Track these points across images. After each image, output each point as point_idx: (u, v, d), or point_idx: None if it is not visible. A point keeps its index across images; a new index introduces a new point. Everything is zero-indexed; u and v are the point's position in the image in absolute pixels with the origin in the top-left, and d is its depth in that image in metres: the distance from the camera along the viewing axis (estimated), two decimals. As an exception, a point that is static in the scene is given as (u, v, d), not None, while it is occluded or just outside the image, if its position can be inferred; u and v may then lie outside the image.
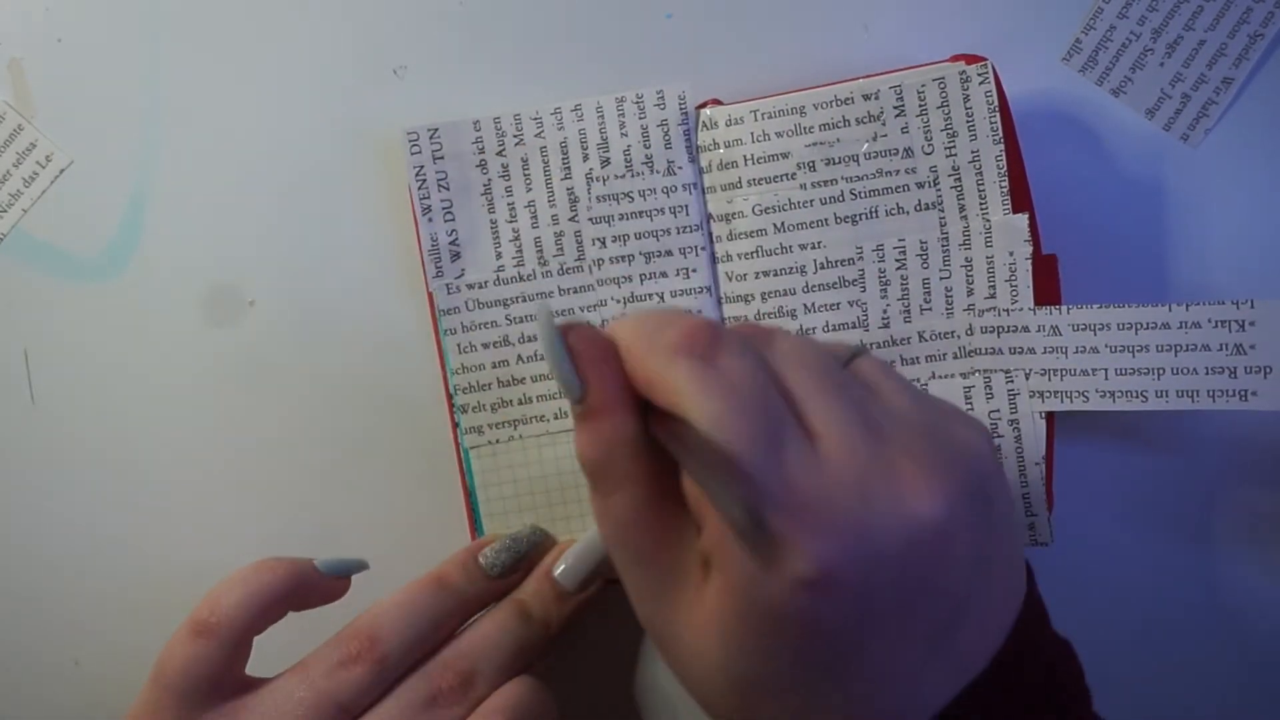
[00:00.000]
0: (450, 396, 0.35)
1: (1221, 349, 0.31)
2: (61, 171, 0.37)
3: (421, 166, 0.34)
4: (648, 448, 0.25)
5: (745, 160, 0.34)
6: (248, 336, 0.37)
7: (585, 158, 0.34)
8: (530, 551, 0.33)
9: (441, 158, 0.34)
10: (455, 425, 0.35)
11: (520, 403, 0.35)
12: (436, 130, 0.34)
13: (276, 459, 0.37)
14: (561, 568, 0.33)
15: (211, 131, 0.36)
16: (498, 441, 0.35)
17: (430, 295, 0.35)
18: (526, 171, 0.34)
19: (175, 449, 0.37)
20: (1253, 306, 0.31)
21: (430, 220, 0.34)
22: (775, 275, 0.34)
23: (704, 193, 0.34)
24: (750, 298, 0.34)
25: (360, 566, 0.31)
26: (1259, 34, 0.34)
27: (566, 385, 0.25)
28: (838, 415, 0.23)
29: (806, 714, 0.23)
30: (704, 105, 0.34)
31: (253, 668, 0.30)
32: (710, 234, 0.34)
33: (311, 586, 0.30)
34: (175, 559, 0.37)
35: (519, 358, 0.35)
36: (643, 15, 0.35)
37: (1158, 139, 0.35)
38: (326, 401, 0.37)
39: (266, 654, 0.30)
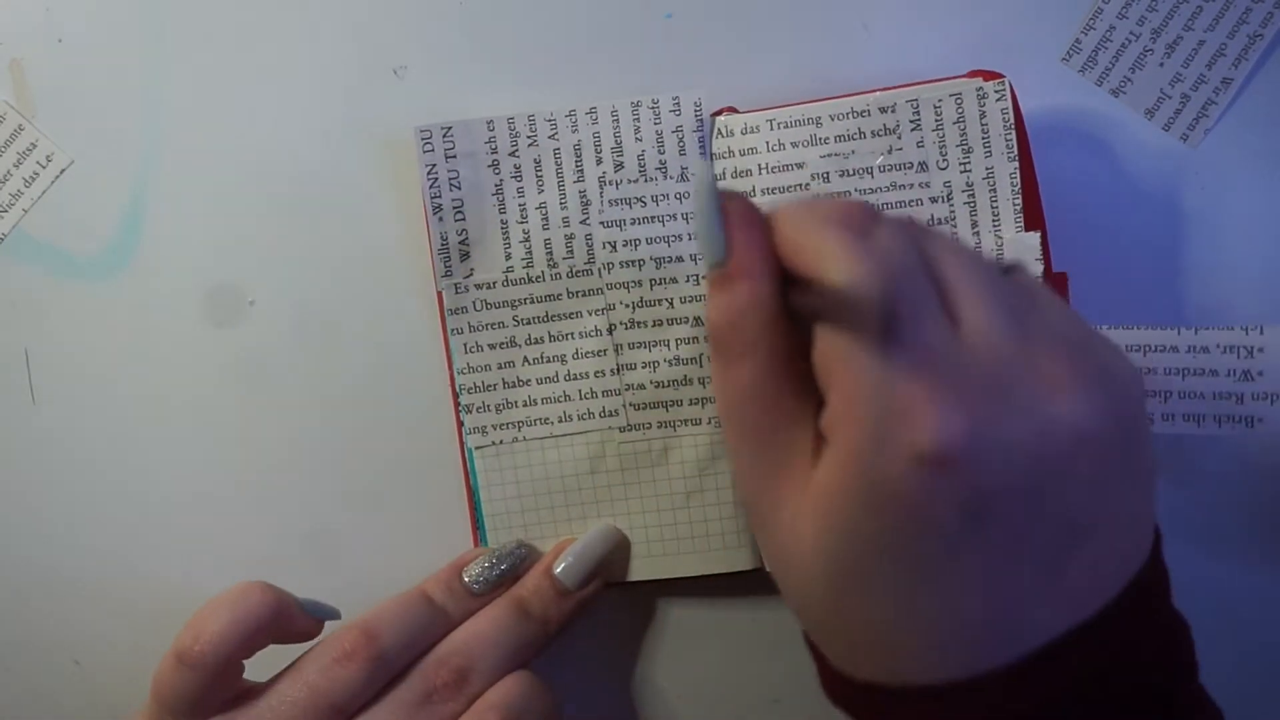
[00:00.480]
0: (456, 396, 0.35)
1: (1230, 374, 0.31)
2: (61, 171, 0.37)
3: (434, 165, 0.34)
4: (778, 319, 0.24)
5: (759, 169, 0.34)
6: (248, 336, 0.37)
7: (599, 161, 0.34)
8: (515, 568, 0.33)
9: (454, 156, 0.34)
10: (460, 424, 0.35)
11: (525, 404, 0.35)
12: (450, 129, 0.34)
13: (277, 459, 0.37)
14: (562, 565, 0.33)
15: (211, 131, 0.36)
16: (501, 442, 0.35)
17: (440, 294, 0.35)
18: (539, 173, 0.34)
19: (175, 449, 0.37)
20: (1262, 333, 0.30)
21: (440, 220, 0.34)
22: None
23: None
24: None
25: (334, 615, 0.31)
26: (1258, 34, 0.34)
27: (712, 245, 0.25)
28: (987, 305, 0.22)
29: (897, 619, 0.22)
30: (719, 113, 0.34)
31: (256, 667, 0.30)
32: None
33: (292, 620, 0.30)
34: (175, 559, 0.37)
35: (525, 359, 0.35)
36: (642, 16, 0.35)
37: (1157, 139, 0.35)
38: (326, 401, 0.37)
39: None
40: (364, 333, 0.36)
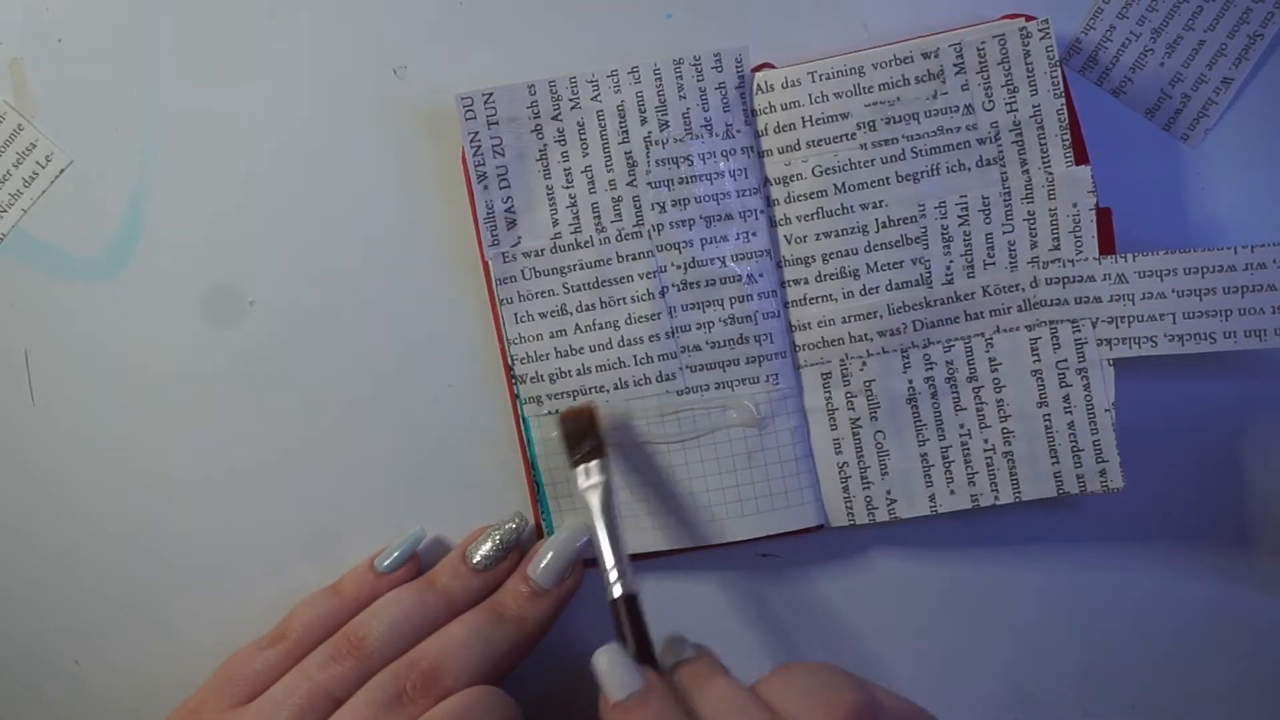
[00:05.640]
0: (510, 374, 0.35)
1: None
2: (61, 171, 0.37)
3: (476, 133, 0.34)
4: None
5: (803, 122, 0.34)
6: (248, 336, 0.37)
7: (643, 121, 0.34)
8: (515, 541, 0.35)
9: (496, 123, 0.34)
10: (516, 402, 0.35)
11: (579, 373, 0.34)
12: (491, 94, 0.34)
13: (276, 460, 0.37)
14: (535, 566, 0.34)
15: (211, 131, 0.36)
16: (557, 411, 0.35)
17: (486, 266, 0.34)
18: (583, 136, 0.34)
19: (175, 449, 0.37)
20: None
21: (485, 188, 0.34)
22: (837, 236, 0.34)
23: (760, 156, 0.34)
24: (811, 260, 0.34)
25: (417, 541, 0.35)
26: (1259, 34, 0.34)
27: (629, 677, 0.27)
28: None
29: None
30: (758, 69, 0.34)
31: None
32: (768, 197, 0.34)
33: None
34: (175, 559, 0.37)
35: (576, 327, 0.34)
36: (643, 15, 0.35)
37: (1158, 139, 0.35)
38: (325, 401, 0.37)
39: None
40: (363, 331, 0.36)
